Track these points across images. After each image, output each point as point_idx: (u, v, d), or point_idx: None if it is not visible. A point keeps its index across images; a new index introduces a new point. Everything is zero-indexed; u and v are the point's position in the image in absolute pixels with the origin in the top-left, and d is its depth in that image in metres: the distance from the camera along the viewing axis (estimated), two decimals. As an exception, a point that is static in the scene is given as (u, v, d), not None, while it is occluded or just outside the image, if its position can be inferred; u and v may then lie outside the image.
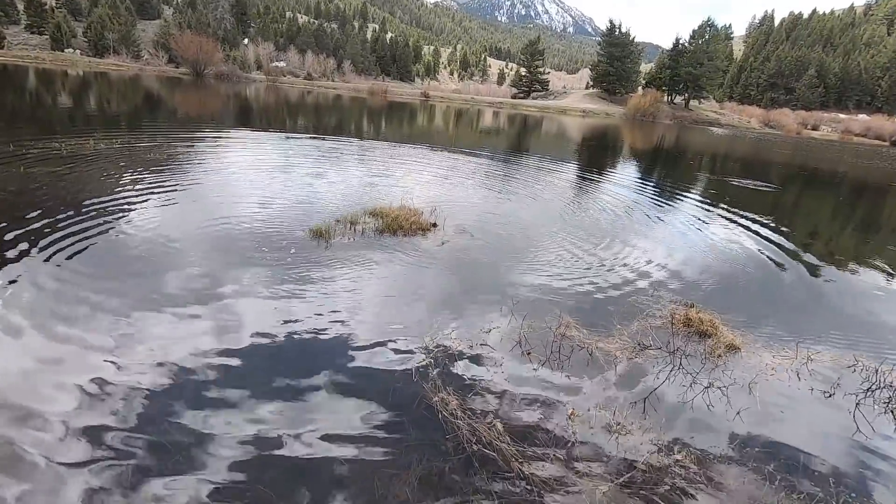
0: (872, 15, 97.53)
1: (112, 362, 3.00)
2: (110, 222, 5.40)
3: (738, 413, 3.14)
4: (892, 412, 3.34)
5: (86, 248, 4.64)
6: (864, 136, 67.00)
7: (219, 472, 2.30)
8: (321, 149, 12.73)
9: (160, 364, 3.03)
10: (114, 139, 10.72)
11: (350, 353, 3.38)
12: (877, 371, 3.76)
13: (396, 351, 3.46)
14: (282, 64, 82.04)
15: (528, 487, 2.38)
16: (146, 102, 24.05)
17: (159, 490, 2.19)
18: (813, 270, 6.51)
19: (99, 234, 5.03)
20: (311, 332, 3.58)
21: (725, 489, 2.50)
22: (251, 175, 8.54)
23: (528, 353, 3.60)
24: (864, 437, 3.06)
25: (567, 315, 4.18)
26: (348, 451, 2.50)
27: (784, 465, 2.74)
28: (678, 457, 2.67)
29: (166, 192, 6.85)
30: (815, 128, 72.67)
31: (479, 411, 2.89)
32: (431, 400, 2.93)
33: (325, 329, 3.64)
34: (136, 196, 6.49)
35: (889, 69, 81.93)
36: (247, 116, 22.24)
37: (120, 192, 6.60)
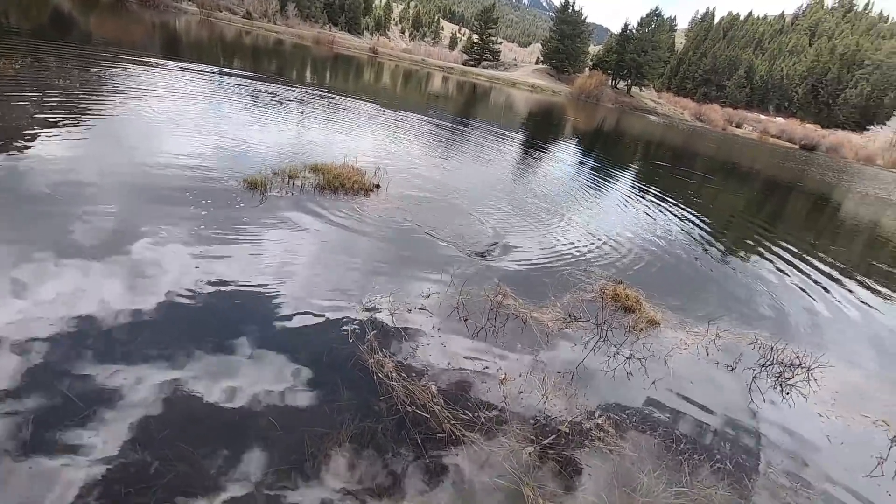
0: (798, 25, 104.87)
1: (9, 311, 2.67)
2: (9, 157, 4.74)
3: (653, 382, 3.39)
4: (780, 385, 3.75)
5: (-25, 180, 4.06)
6: (779, 138, 73.04)
7: (133, 429, 2.15)
8: (259, 92, 11.88)
9: (65, 316, 2.74)
10: (12, 59, 9.34)
11: (282, 312, 3.25)
12: (772, 349, 4.19)
13: (332, 312, 3.36)
14: (217, -4, 74.76)
15: (459, 447, 2.44)
16: (54, 23, 21.11)
17: (64, 446, 2.01)
18: (727, 256, 7.08)
19: (-8, 164, 4.41)
20: (240, 290, 3.38)
21: (638, 450, 2.70)
22: (178, 112, 7.81)
23: (466, 320, 3.64)
24: (757, 407, 3.41)
25: (504, 284, 4.27)
26: (277, 410, 2.42)
27: (689, 429, 3.00)
28: (599, 421, 2.84)
29: (77, 125, 6.10)
30: (738, 125, 78.04)
31: (414, 374, 2.90)
32: (367, 362, 2.89)
33: (256, 287, 3.46)
34: (40, 128, 5.72)
35: (806, 77, 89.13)
36: (175, 49, 20.20)
37: (19, 122, 5.79)
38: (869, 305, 6.25)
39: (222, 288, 3.33)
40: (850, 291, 6.65)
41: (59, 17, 23.41)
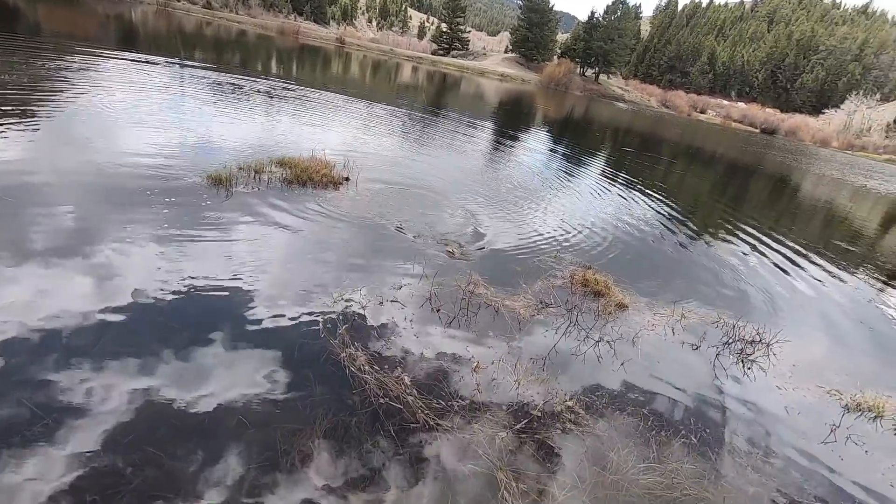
0: (757, 11, 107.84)
1: (-45, 318, 2.55)
2: (-51, 153, 4.49)
3: (622, 364, 3.49)
4: (742, 361, 3.91)
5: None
6: (741, 123, 75.30)
7: (100, 436, 2.09)
8: (222, 85, 11.54)
9: (24, 323, 2.63)
10: (-48, 52, 8.81)
11: (251, 310, 3.20)
12: (734, 327, 4.36)
13: (303, 308, 3.33)
14: (175, -15, 71.90)
15: (433, 436, 2.46)
16: (-3, 12, 19.94)
17: (29, 459, 1.94)
18: (692, 239, 7.30)
19: (-67, 166, 4.17)
20: (208, 289, 3.31)
21: (609, 430, 2.78)
22: (136, 107, 7.51)
23: (438, 310, 3.66)
24: (720, 382, 3.56)
25: (476, 274, 4.30)
26: (248, 408, 2.40)
27: (658, 407, 3.11)
28: (570, 403, 2.91)
29: (27, 124, 5.81)
30: (702, 111, 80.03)
31: (387, 366, 2.90)
32: (339, 356, 2.88)
33: (224, 285, 3.39)
34: (-15, 124, 5.43)
35: (766, 63, 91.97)
36: (131, 41, 19.38)
37: (-38, 117, 5.48)
38: (823, 282, 6.55)
39: (189, 288, 3.26)
40: (807, 270, 6.95)
41: (3, 6, 22.15)
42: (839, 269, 7.35)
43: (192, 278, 3.36)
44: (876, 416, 3.49)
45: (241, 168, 5.58)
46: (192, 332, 2.86)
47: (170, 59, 14.64)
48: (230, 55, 22.38)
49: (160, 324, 2.87)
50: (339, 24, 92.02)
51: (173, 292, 3.17)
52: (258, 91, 12.15)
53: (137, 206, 4.24)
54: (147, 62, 13.04)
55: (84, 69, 10.01)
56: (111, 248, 3.50)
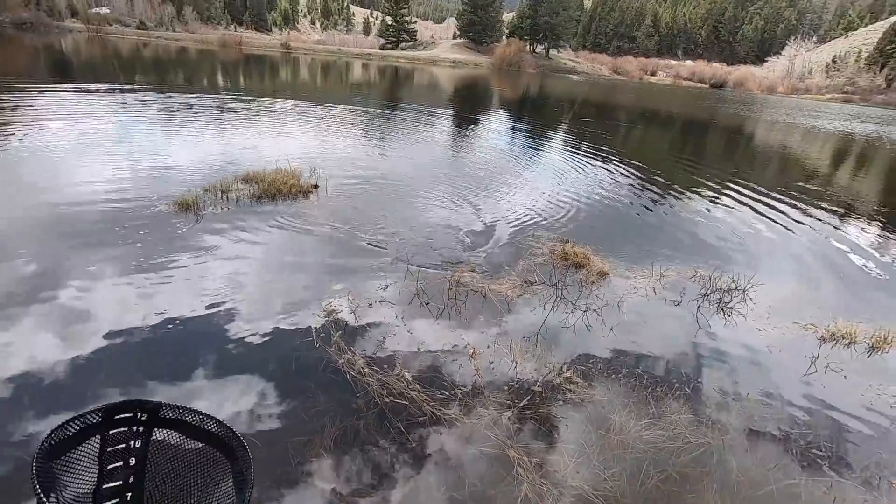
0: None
1: (-66, 383, 2.45)
2: None
3: (611, 329, 3.60)
4: (722, 310, 4.08)
5: None
6: (691, 80, 77.16)
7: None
8: (170, 106, 11.20)
9: None
10: None
11: (240, 331, 3.16)
12: (710, 279, 4.54)
13: (292, 321, 3.32)
14: (104, 10, 68.89)
15: (441, 426, 2.51)
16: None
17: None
18: (659, 198, 7.51)
19: None
20: (189, 317, 3.25)
21: (607, 394, 2.89)
22: (82, 139, 7.24)
23: (427, 304, 3.70)
24: (705, 333, 3.71)
25: (459, 262, 4.35)
26: (254, 427, 2.39)
27: (649, 365, 3.23)
28: (567, 375, 3.00)
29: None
30: (653, 73, 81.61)
31: (386, 365, 2.93)
32: (337, 362, 2.89)
33: (208, 311, 3.34)
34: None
35: (707, 19, 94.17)
36: (66, 71, 18.57)
37: None
38: (787, 224, 6.85)
39: (169, 319, 3.19)
40: (770, 214, 7.25)
41: (-79, 53, 20.90)
42: (799, 209, 7.69)
43: (171, 308, 3.30)
44: (849, 343, 3.71)
45: (206, 190, 5.46)
46: (179, 362, 2.82)
47: (110, 86, 14.10)
48: (173, 74, 21.69)
49: (143, 359, 2.80)
50: (282, 29, 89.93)
51: (152, 326, 3.09)
52: (209, 108, 11.84)
53: (102, 243, 4.12)
54: (86, 91, 12.53)
55: (19, 106, 9.56)
56: (78, 292, 3.37)
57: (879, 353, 3.65)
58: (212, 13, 79.22)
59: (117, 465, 0.78)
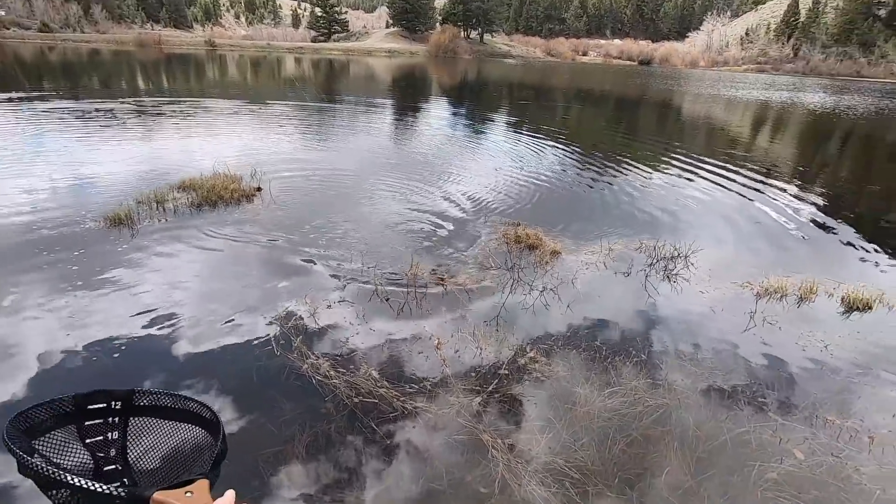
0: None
1: None
2: None
3: (567, 306, 3.72)
4: (668, 277, 4.31)
5: None
6: (620, 58, 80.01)
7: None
8: (89, 113, 10.38)
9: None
10: None
11: (191, 348, 3.02)
12: (654, 248, 4.78)
13: (248, 330, 3.21)
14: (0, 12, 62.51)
15: (413, 420, 2.52)
16: None
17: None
18: (600, 174, 7.78)
19: None
20: (133, 339, 3.06)
21: (571, 369, 2.99)
22: (-6, 162, 6.60)
23: (387, 300, 3.67)
24: (653, 300, 3.91)
25: (413, 255, 4.34)
26: (221, 446, 2.30)
27: (606, 336, 3.38)
28: (531, 354, 3.09)
29: None
30: (584, 53, 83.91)
31: (352, 366, 2.90)
32: (301, 368, 2.83)
33: (152, 331, 3.16)
34: None
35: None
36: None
37: None
38: (717, 190, 7.31)
39: (108, 341, 3.00)
40: (702, 181, 7.70)
41: None
42: (727, 176, 8.20)
43: (111, 330, 3.09)
44: (781, 296, 4.03)
45: (140, 202, 5.14)
46: (126, 386, 2.66)
47: (14, 96, 12.88)
48: (87, 79, 20.08)
49: (80, 387, 2.62)
50: (204, 25, 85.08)
51: (90, 351, 2.89)
52: (132, 113, 11.07)
53: (25, 269, 3.79)
54: (-11, 105, 11.37)
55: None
56: (1, 322, 3.12)
57: (807, 302, 3.99)
58: (123, 11, 73.61)
59: (101, 455, 0.79)
